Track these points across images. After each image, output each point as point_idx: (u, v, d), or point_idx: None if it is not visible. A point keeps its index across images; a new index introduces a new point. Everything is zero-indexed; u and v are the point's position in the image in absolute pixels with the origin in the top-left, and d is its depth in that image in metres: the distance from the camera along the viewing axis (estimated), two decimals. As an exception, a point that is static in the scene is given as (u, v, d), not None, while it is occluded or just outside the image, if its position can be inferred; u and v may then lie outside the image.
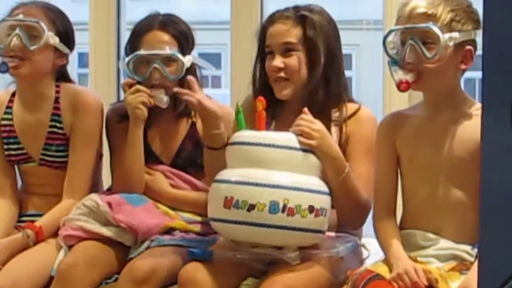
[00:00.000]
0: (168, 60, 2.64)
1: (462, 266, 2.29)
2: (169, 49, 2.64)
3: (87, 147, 2.73)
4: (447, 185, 2.36)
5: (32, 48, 2.61)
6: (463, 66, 2.34)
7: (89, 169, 2.75)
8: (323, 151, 2.35)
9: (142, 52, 2.63)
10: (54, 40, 2.67)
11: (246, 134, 2.35)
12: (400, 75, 2.35)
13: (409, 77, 2.33)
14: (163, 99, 2.61)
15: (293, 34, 2.49)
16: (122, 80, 2.76)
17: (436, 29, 2.28)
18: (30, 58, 2.63)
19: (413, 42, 2.32)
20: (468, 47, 2.32)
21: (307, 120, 2.35)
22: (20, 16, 2.65)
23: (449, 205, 2.36)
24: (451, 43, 2.28)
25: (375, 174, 2.50)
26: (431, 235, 2.36)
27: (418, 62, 2.32)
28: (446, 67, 2.33)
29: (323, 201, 2.32)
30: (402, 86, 2.34)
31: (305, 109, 2.37)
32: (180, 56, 2.64)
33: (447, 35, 2.28)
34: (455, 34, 2.29)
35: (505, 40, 1.74)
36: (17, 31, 2.61)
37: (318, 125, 2.34)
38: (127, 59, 2.65)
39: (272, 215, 2.24)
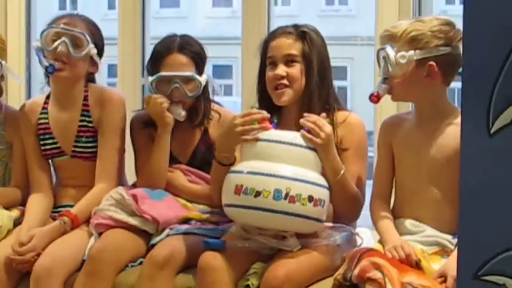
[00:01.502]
0: (187, 80, 2.64)
1: (443, 252, 2.31)
2: (188, 70, 2.65)
3: (114, 137, 2.74)
4: (427, 184, 2.39)
5: (76, 55, 2.64)
6: (428, 81, 2.34)
7: (116, 157, 2.76)
8: (325, 150, 2.36)
9: (164, 73, 2.64)
10: (93, 51, 2.69)
11: (263, 134, 2.37)
12: (375, 88, 2.39)
13: (381, 90, 2.38)
14: (181, 114, 2.63)
15: (295, 47, 2.50)
16: (145, 94, 2.78)
17: (388, 49, 2.33)
18: (71, 64, 2.66)
19: (382, 60, 2.36)
20: (431, 63, 2.32)
21: (321, 121, 2.37)
22: (66, 26, 2.66)
23: (428, 201, 2.39)
24: (403, 60, 2.31)
25: (376, 165, 2.54)
26: (419, 223, 2.39)
27: (390, 77, 2.36)
28: (411, 81, 2.35)
29: (322, 193, 2.33)
30: (371, 98, 2.40)
31: (323, 114, 2.41)
32: (197, 76, 2.65)
33: (400, 54, 2.31)
34: (411, 53, 2.31)
35: (482, 56, 1.74)
36: (64, 38, 2.62)
37: (328, 128, 2.36)
38: (151, 78, 2.66)
39: (276, 201, 2.26)
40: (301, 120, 2.38)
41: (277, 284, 2.26)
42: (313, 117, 2.37)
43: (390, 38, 2.35)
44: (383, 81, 2.38)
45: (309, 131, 2.36)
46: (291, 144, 2.35)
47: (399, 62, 2.31)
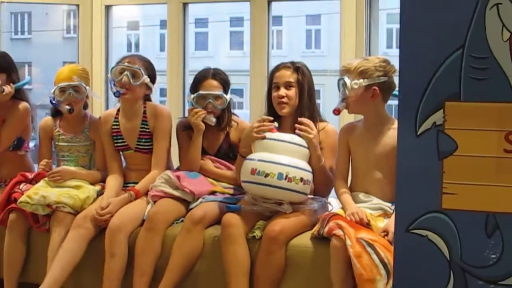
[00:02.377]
0: (217, 97, 2.64)
1: (385, 214, 2.32)
2: (217, 91, 2.65)
3: (164, 139, 2.72)
4: (373, 169, 2.40)
5: (134, 84, 2.63)
6: (372, 100, 2.35)
7: (165, 152, 2.74)
8: (313, 144, 2.38)
9: (202, 92, 2.64)
10: (147, 80, 2.68)
11: (269, 134, 2.39)
12: (337, 105, 2.40)
13: (340, 106, 2.38)
14: (213, 120, 2.63)
15: (293, 76, 2.51)
16: (187, 107, 2.75)
17: (346, 79, 2.34)
18: (132, 89, 2.65)
19: (342, 86, 2.37)
20: (374, 87, 2.33)
21: (310, 125, 2.40)
22: (128, 64, 2.66)
23: (374, 180, 2.39)
24: (356, 86, 2.32)
25: (337, 158, 2.52)
26: (368, 195, 2.39)
27: (346, 98, 2.36)
28: (361, 100, 2.35)
29: (308, 176, 2.35)
30: (334, 112, 2.41)
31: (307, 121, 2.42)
32: (224, 95, 2.65)
33: (354, 81, 2.32)
34: (361, 81, 2.32)
35: (412, 85, 1.77)
36: (126, 72, 2.62)
37: (315, 130, 2.40)
38: (192, 96, 2.66)
39: (279, 180, 2.29)
40: (300, 119, 2.40)
41: (274, 235, 2.28)
42: (306, 120, 2.40)
43: (346, 71, 2.36)
44: (342, 100, 2.38)
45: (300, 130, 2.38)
46: (289, 142, 2.36)
47: (353, 87, 2.32)
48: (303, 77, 2.51)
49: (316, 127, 2.45)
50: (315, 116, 2.52)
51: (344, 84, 2.34)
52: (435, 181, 1.73)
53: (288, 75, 2.52)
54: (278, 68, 2.57)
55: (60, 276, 2.44)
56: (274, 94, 2.52)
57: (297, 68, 2.53)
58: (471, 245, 1.73)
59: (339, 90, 2.41)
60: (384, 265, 2.08)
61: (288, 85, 2.51)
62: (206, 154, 2.73)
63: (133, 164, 2.79)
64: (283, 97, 2.50)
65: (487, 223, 1.72)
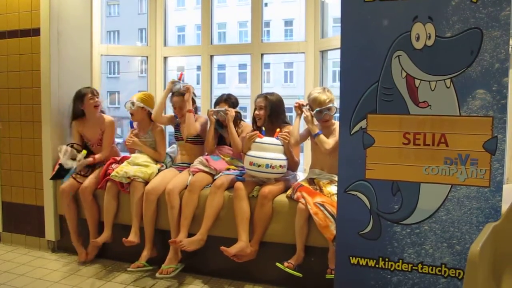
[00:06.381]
0: (225, 111, 2.59)
1: (332, 182, 2.26)
2: (227, 106, 2.60)
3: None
4: (324, 154, 2.31)
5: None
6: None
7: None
8: (288, 145, 2.33)
9: (217, 108, 2.61)
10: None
11: (258, 139, 2.34)
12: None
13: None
14: (222, 115, 2.58)
15: (263, 102, 2.47)
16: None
17: (331, 106, 2.26)
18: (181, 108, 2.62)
19: (325, 111, 2.26)
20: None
21: (288, 133, 2.34)
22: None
23: (326, 161, 2.32)
24: (335, 107, 2.26)
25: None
26: (321, 171, 2.33)
27: (323, 115, 2.27)
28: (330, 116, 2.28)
29: (284, 163, 2.30)
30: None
31: (281, 132, 2.35)
32: (228, 108, 2.59)
33: (333, 105, 2.26)
34: (335, 104, 2.26)
35: (348, 102, 1.76)
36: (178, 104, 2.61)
37: (291, 134, 2.33)
38: (214, 109, 2.63)
39: (266, 168, 2.25)
40: (280, 133, 2.34)
41: (265, 195, 2.26)
42: (285, 133, 2.34)
43: (330, 101, 2.28)
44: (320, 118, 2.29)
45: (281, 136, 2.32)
46: (271, 144, 2.32)
47: (332, 109, 2.27)
48: (268, 103, 2.46)
49: (281, 130, 2.42)
50: (280, 123, 2.48)
51: (328, 109, 2.26)
52: (362, 161, 1.73)
53: (261, 101, 2.48)
54: (257, 97, 2.54)
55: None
56: (255, 113, 2.51)
57: (265, 97, 2.49)
58: (382, 200, 1.74)
59: (318, 115, 2.29)
60: (332, 215, 2.05)
61: (260, 108, 2.48)
62: (225, 144, 2.69)
63: (183, 149, 2.73)
64: (258, 114, 2.48)
65: (392, 187, 1.72)
